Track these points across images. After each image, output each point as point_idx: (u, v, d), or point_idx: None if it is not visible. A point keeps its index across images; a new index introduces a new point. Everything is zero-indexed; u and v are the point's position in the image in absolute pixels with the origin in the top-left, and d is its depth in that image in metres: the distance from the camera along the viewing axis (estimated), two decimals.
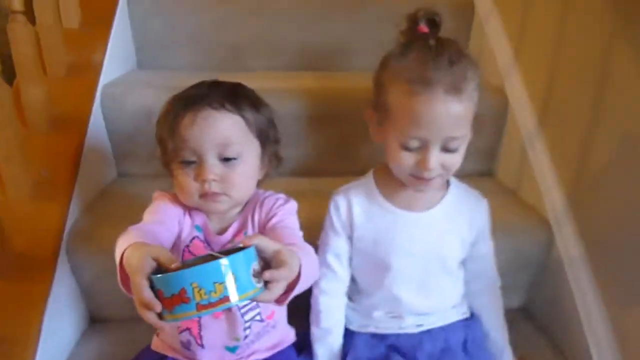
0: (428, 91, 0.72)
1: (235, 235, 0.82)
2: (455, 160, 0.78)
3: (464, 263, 0.91)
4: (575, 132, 1.02)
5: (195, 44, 1.47)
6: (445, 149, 0.76)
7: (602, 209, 0.95)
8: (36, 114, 1.04)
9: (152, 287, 0.56)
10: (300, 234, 0.80)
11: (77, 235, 1.00)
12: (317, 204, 0.90)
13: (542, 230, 1.08)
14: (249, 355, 0.83)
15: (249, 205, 0.84)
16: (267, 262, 0.60)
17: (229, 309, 0.78)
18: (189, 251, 0.80)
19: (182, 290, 0.54)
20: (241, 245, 0.60)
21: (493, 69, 1.34)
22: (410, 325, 0.88)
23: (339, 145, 1.27)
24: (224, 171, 0.76)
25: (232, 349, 0.82)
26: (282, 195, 0.85)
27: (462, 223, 0.87)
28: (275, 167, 0.86)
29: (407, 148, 0.76)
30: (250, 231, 0.81)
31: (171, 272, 0.55)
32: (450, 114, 0.73)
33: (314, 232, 0.88)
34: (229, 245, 0.81)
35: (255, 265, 0.58)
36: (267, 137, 0.82)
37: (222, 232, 0.82)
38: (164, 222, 0.78)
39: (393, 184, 0.84)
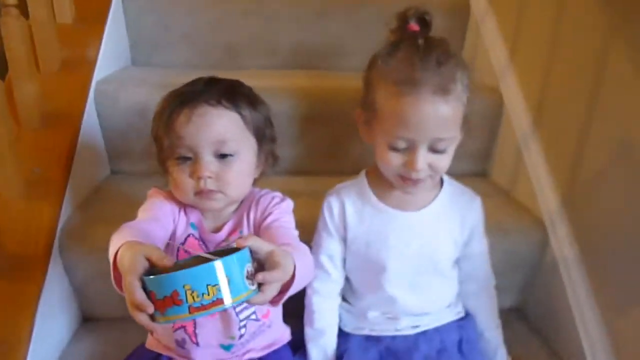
0: (415, 92, 0.72)
1: (230, 234, 0.81)
2: (444, 161, 0.78)
3: (457, 262, 0.91)
4: (571, 132, 1.02)
5: (190, 43, 1.47)
6: (433, 150, 0.76)
7: (597, 210, 0.96)
8: (29, 110, 1.03)
9: (145, 288, 0.55)
10: (296, 233, 0.80)
11: (70, 234, 0.99)
12: (310, 203, 0.89)
13: (536, 231, 1.08)
14: (244, 354, 0.83)
15: (244, 204, 0.83)
16: (260, 263, 0.60)
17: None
18: (184, 249, 0.79)
19: (174, 292, 0.53)
20: (235, 245, 0.59)
21: (488, 69, 1.34)
22: (406, 326, 0.88)
23: (332, 145, 1.26)
24: (219, 168, 0.75)
25: (227, 347, 0.81)
26: (278, 194, 0.85)
27: (454, 222, 0.87)
28: (272, 166, 0.86)
29: (394, 148, 0.76)
30: (245, 230, 0.81)
31: (163, 274, 0.54)
32: (438, 115, 0.73)
33: (307, 231, 0.87)
34: (224, 244, 0.80)
35: (249, 266, 0.57)
36: (263, 135, 0.82)
37: (217, 230, 0.81)
38: (158, 220, 0.77)
39: (385, 184, 0.84)
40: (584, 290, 0.96)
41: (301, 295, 0.88)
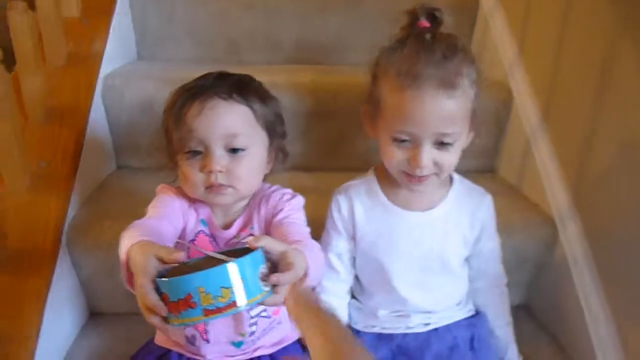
0: (417, 86, 0.71)
1: (240, 230, 0.80)
2: (449, 158, 0.77)
3: (467, 260, 0.90)
4: (580, 128, 1.01)
5: (194, 37, 1.46)
6: (438, 146, 0.75)
7: (608, 207, 0.95)
8: (35, 104, 1.02)
9: (157, 289, 0.54)
10: (308, 229, 0.79)
11: (76, 229, 0.98)
12: (315, 200, 0.88)
13: (544, 228, 1.08)
14: (254, 351, 0.82)
15: (254, 200, 0.82)
16: (273, 264, 0.59)
17: None
18: (194, 245, 0.79)
19: (188, 295, 0.52)
20: (247, 245, 0.59)
21: (497, 63, 1.33)
22: (417, 324, 0.87)
23: (337, 141, 1.26)
24: (230, 163, 0.75)
25: (237, 344, 0.81)
26: (288, 190, 0.84)
27: (464, 221, 0.86)
28: (281, 162, 0.85)
29: (397, 144, 0.76)
30: (255, 226, 0.80)
31: (177, 277, 0.53)
32: (442, 109, 0.72)
33: (312, 227, 0.85)
34: (234, 241, 0.80)
35: (263, 268, 0.56)
36: (274, 130, 0.81)
37: (227, 226, 0.81)
38: (168, 217, 0.76)
39: (395, 183, 0.83)
40: (594, 288, 0.96)
41: None
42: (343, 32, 1.48)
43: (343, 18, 1.47)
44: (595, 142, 0.97)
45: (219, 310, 0.52)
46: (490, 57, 1.37)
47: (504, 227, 0.95)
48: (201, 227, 0.80)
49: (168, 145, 0.79)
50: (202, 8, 1.44)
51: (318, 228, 0.89)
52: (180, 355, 0.83)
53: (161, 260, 0.56)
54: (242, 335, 0.80)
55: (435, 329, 0.87)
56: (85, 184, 1.08)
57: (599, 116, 0.96)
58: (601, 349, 0.93)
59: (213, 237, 0.80)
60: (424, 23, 0.75)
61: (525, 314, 1.14)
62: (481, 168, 1.31)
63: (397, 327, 0.88)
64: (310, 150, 1.25)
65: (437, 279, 0.87)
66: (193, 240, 0.80)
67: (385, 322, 0.89)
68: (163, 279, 0.54)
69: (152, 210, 0.78)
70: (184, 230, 0.79)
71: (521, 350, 0.93)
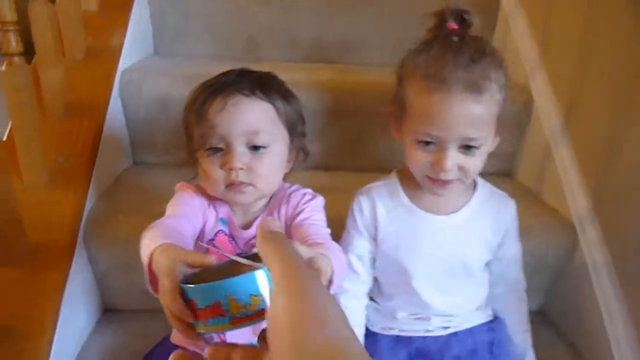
0: (445, 89, 0.70)
1: None
2: (474, 163, 0.76)
3: (488, 265, 0.89)
4: (602, 132, 1.00)
5: (211, 33, 1.46)
6: (463, 150, 0.74)
7: (630, 213, 0.93)
8: (55, 98, 1.02)
9: (184, 295, 0.53)
10: (328, 231, 0.78)
11: (92, 224, 0.98)
12: (334, 200, 0.86)
13: (564, 233, 1.06)
14: None
15: (274, 200, 0.82)
16: None
17: None
18: (214, 245, 0.78)
19: (216, 302, 0.50)
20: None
21: (517, 65, 1.31)
22: (436, 327, 0.87)
23: (356, 140, 1.25)
24: (251, 160, 0.74)
25: (255, 345, 0.80)
26: (309, 191, 0.83)
27: (487, 225, 0.85)
28: (302, 162, 0.84)
29: (422, 147, 0.75)
30: None
31: (205, 284, 0.51)
32: (468, 113, 0.71)
33: (332, 227, 0.84)
34: (254, 241, 0.79)
35: None
36: (295, 129, 0.80)
37: (246, 226, 0.80)
38: (187, 215, 0.75)
39: (418, 186, 0.82)
40: (614, 293, 0.94)
41: None
42: (361, 31, 1.47)
43: (363, 16, 1.46)
44: (618, 147, 0.96)
45: (248, 318, 0.50)
46: (511, 59, 1.35)
47: (522, 232, 0.93)
48: (221, 227, 0.79)
49: (188, 142, 0.78)
50: (220, 4, 1.43)
51: (337, 228, 0.88)
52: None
53: (188, 265, 0.55)
54: None
55: (455, 333, 0.86)
56: (101, 179, 1.08)
57: (622, 120, 0.95)
58: (620, 356, 0.91)
59: (233, 237, 0.79)
60: (452, 25, 0.74)
61: (541, 319, 1.12)
62: (498, 171, 1.29)
63: (415, 329, 0.87)
64: (329, 149, 1.24)
65: (458, 282, 0.86)
66: (212, 239, 0.79)
67: (404, 324, 0.88)
68: (190, 285, 0.52)
69: (171, 208, 0.77)
70: (202, 229, 0.78)
71: (538, 357, 0.92)
